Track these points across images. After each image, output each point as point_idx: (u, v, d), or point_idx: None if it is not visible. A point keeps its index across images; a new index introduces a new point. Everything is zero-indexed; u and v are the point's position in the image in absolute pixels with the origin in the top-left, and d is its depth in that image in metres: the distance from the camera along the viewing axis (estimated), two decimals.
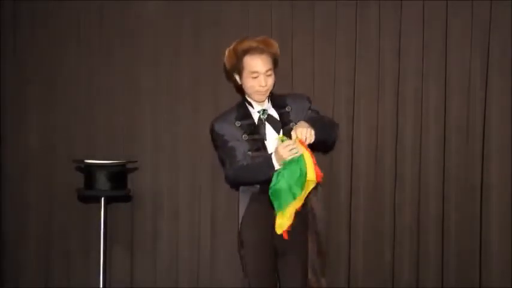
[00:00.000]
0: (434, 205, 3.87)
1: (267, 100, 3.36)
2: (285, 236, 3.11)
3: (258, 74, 3.26)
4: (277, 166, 3.11)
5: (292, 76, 3.88)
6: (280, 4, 3.91)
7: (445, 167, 3.87)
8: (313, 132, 3.09)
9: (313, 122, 3.19)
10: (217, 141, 3.35)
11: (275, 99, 3.37)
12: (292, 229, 3.20)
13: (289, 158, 3.03)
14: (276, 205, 3.07)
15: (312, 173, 3.05)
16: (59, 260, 4.01)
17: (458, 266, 3.86)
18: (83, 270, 4.00)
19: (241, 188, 3.34)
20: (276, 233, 3.20)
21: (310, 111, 3.35)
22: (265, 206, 3.20)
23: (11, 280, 4.02)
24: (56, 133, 4.01)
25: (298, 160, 3.02)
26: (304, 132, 3.07)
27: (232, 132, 3.28)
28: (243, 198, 3.32)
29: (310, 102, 3.41)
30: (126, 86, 3.98)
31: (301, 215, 3.23)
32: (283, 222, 3.09)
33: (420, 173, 3.88)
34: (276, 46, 3.34)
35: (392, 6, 3.88)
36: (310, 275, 3.27)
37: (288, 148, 3.04)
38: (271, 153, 3.15)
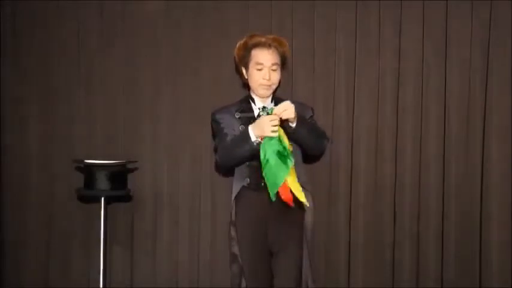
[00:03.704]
0: (434, 205, 3.87)
1: (270, 99, 3.44)
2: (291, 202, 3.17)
3: (262, 67, 3.35)
4: (253, 138, 3.20)
5: (292, 76, 3.88)
6: (280, 4, 3.91)
7: (445, 167, 3.87)
8: (293, 111, 3.15)
9: (302, 119, 3.26)
10: (215, 129, 3.47)
11: (279, 101, 3.39)
12: (287, 230, 3.26)
13: (268, 134, 3.12)
14: (276, 181, 3.12)
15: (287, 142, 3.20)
16: (59, 260, 4.01)
17: (458, 266, 3.85)
18: (83, 270, 3.99)
19: (234, 179, 3.40)
20: (270, 233, 3.24)
21: (309, 119, 3.43)
22: (259, 205, 3.26)
23: (11, 280, 4.02)
24: (56, 133, 4.00)
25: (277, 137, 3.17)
26: (285, 107, 3.14)
27: (231, 122, 3.38)
28: (235, 189, 3.38)
29: (313, 112, 3.52)
30: (126, 86, 3.98)
31: (297, 217, 3.29)
32: (299, 192, 3.16)
33: (420, 173, 3.87)
34: (286, 45, 3.45)
35: (392, 6, 3.88)
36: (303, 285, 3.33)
37: (272, 123, 3.12)
38: (249, 126, 3.24)
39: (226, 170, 3.58)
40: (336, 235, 3.89)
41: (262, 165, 3.16)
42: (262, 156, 3.16)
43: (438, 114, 3.87)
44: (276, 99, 3.46)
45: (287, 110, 3.16)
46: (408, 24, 3.88)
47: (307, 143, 3.35)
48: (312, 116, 3.50)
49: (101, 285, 3.85)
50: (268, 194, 3.17)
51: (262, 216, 3.29)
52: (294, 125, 3.22)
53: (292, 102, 3.42)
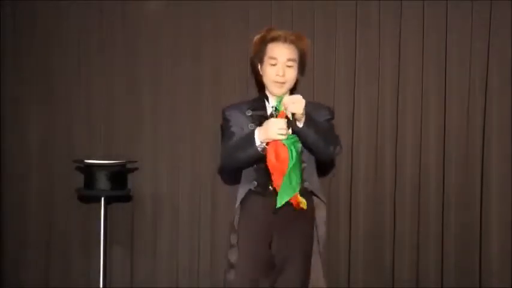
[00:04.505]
0: (434, 205, 3.87)
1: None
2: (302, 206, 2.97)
3: (276, 62, 3.08)
4: (258, 142, 2.96)
5: None
6: (280, 4, 3.91)
7: (445, 167, 3.87)
8: (302, 106, 2.89)
9: (311, 120, 2.99)
10: (223, 127, 3.23)
11: None
12: (294, 242, 3.05)
13: (274, 137, 2.90)
14: (295, 185, 2.92)
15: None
16: (59, 260, 4.01)
17: (458, 266, 3.85)
18: (83, 270, 4.00)
19: (241, 181, 3.15)
20: (274, 244, 3.03)
21: (324, 123, 3.15)
22: (265, 212, 3.03)
23: (11, 280, 4.02)
24: (56, 133, 4.00)
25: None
26: (294, 100, 2.89)
27: (240, 120, 3.13)
28: (241, 192, 3.14)
29: (330, 114, 3.22)
30: (126, 86, 3.98)
31: (306, 228, 3.09)
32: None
33: (420, 173, 3.87)
34: (306, 42, 3.17)
35: (392, 6, 3.88)
36: None
37: (280, 125, 2.89)
38: (255, 129, 3.00)
39: (228, 173, 3.41)
40: (336, 235, 3.88)
41: (289, 167, 2.90)
42: (290, 157, 2.91)
43: (438, 114, 3.87)
44: None
45: (295, 103, 2.88)
46: (408, 24, 3.88)
47: (313, 145, 3.03)
48: (329, 119, 3.19)
49: (101, 285, 3.85)
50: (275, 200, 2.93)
51: (268, 225, 3.03)
52: (301, 124, 2.95)
53: (312, 102, 3.20)
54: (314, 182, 3.16)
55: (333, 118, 3.22)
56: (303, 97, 2.91)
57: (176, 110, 3.96)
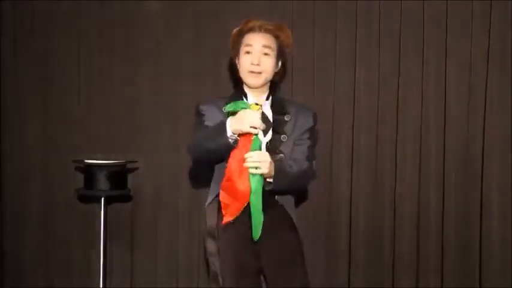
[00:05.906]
0: (434, 205, 3.86)
1: (265, 96, 2.97)
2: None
3: (251, 49, 2.88)
4: (229, 133, 2.71)
5: (292, 77, 3.88)
6: (280, 4, 3.91)
7: (445, 167, 3.86)
8: (267, 166, 2.72)
9: (281, 173, 2.78)
10: (195, 121, 3.01)
11: (277, 100, 2.98)
12: (283, 246, 2.80)
13: (246, 129, 2.69)
14: (259, 210, 2.75)
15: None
16: (59, 260, 4.01)
17: (458, 266, 3.85)
18: (83, 270, 4.00)
19: (212, 179, 2.96)
20: (262, 251, 2.78)
21: (306, 135, 2.95)
22: (244, 216, 2.77)
23: (11, 280, 4.02)
24: (56, 133, 4.01)
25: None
26: (258, 159, 2.72)
27: (216, 117, 2.89)
28: (213, 192, 2.93)
29: (314, 122, 3.00)
30: (126, 86, 3.98)
31: (290, 234, 2.85)
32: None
33: (420, 174, 3.87)
34: (286, 33, 2.98)
35: (392, 6, 3.87)
36: None
37: (255, 117, 2.68)
38: (228, 118, 2.76)
39: (197, 170, 3.30)
40: (336, 234, 3.88)
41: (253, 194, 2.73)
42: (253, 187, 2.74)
43: (438, 115, 3.86)
44: (276, 99, 2.99)
45: (262, 163, 2.71)
46: (408, 24, 3.87)
47: (287, 192, 2.91)
48: (312, 127, 2.99)
49: (101, 285, 3.85)
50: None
51: (249, 231, 2.77)
52: (271, 179, 2.78)
53: (295, 102, 3.09)
54: (286, 196, 2.94)
55: (315, 124, 3.02)
56: (303, 97, 2.80)
57: (176, 109, 3.96)
